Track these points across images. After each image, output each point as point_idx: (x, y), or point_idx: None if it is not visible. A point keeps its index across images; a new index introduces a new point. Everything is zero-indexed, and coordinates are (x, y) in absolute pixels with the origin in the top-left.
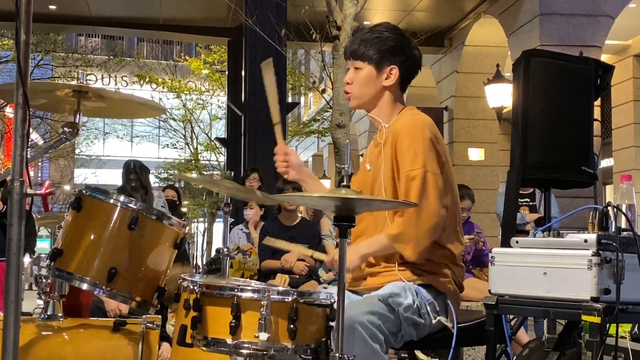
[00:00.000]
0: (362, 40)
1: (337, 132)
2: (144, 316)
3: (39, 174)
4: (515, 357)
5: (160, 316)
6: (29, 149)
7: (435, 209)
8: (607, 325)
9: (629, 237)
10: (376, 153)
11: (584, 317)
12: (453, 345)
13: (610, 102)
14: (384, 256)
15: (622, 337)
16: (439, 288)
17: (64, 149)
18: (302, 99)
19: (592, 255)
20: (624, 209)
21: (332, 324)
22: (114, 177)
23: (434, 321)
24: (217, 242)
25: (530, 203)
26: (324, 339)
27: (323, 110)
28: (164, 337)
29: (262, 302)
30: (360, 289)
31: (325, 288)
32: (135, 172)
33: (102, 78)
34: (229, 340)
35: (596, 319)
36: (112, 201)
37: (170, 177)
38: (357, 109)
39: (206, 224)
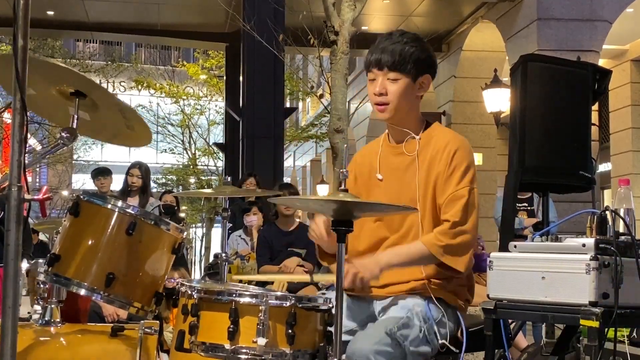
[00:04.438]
0: (400, 53)
1: (335, 136)
2: (142, 322)
3: (37, 180)
4: None
5: (158, 321)
6: (26, 155)
7: (476, 223)
8: (606, 329)
9: (627, 242)
10: (399, 163)
11: (582, 322)
12: (463, 351)
13: (607, 107)
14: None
15: (620, 341)
16: (450, 303)
17: (62, 154)
18: (300, 104)
19: (591, 260)
20: (622, 213)
21: (331, 329)
22: (114, 184)
23: (440, 342)
24: (215, 248)
25: (529, 207)
26: (322, 344)
27: (321, 115)
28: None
29: (261, 307)
30: (364, 294)
31: (323, 294)
32: (139, 168)
33: (100, 83)
34: (227, 346)
35: (594, 324)
36: (109, 206)
37: (169, 182)
38: (387, 121)
39: (204, 229)
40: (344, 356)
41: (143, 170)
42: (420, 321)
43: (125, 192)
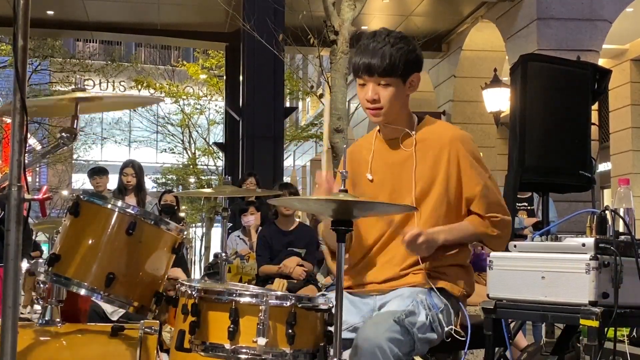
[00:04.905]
0: (390, 56)
1: (335, 136)
2: (141, 321)
3: (37, 179)
4: None
5: (158, 321)
6: (26, 154)
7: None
8: (606, 329)
9: (627, 241)
10: (395, 159)
11: (582, 321)
12: (467, 344)
13: (607, 106)
14: (395, 260)
15: (620, 341)
16: (451, 292)
17: (62, 154)
18: (300, 104)
19: (590, 259)
20: (621, 213)
21: (331, 328)
22: (111, 183)
23: (446, 329)
24: (215, 247)
25: (528, 207)
26: (322, 344)
27: (321, 114)
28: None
29: (261, 307)
30: (363, 292)
31: (324, 294)
32: (132, 167)
33: (100, 83)
34: (227, 345)
35: (594, 323)
36: (109, 206)
37: (168, 182)
38: (381, 123)
39: (204, 229)
40: (343, 356)
41: (136, 168)
42: (426, 309)
43: (122, 192)
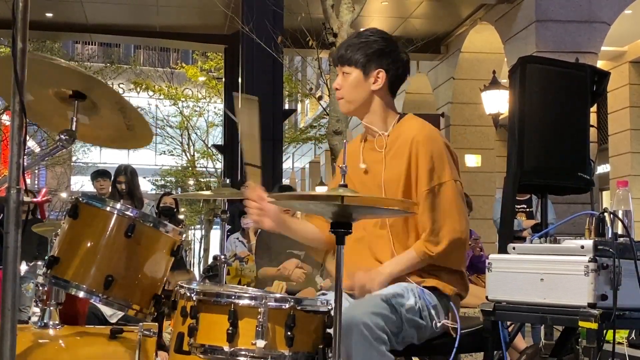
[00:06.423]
0: (348, 46)
1: (333, 138)
2: (140, 324)
3: (36, 182)
4: None
5: (157, 324)
6: (25, 157)
7: (459, 215)
8: (604, 331)
9: (625, 243)
10: (372, 159)
11: (581, 323)
12: (456, 346)
13: (606, 109)
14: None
15: (619, 343)
16: (443, 291)
17: (61, 156)
18: (299, 106)
19: (589, 262)
20: (620, 215)
21: (330, 330)
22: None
23: (438, 324)
24: (214, 249)
25: (527, 209)
26: (321, 346)
27: (320, 116)
28: (161, 345)
29: (260, 310)
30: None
31: (324, 294)
32: (125, 174)
33: None
34: (226, 348)
35: (593, 325)
36: (108, 209)
37: (167, 184)
38: (350, 115)
39: (203, 231)
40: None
41: (129, 174)
42: (416, 297)
43: (115, 197)
